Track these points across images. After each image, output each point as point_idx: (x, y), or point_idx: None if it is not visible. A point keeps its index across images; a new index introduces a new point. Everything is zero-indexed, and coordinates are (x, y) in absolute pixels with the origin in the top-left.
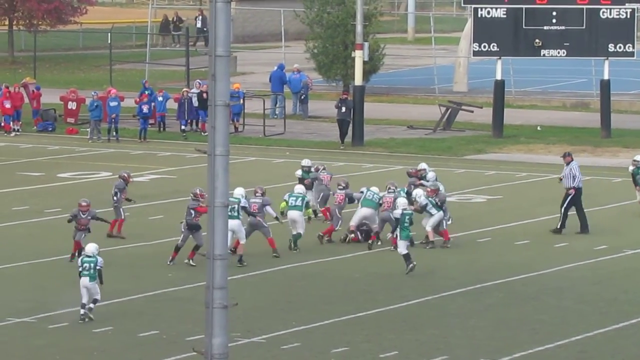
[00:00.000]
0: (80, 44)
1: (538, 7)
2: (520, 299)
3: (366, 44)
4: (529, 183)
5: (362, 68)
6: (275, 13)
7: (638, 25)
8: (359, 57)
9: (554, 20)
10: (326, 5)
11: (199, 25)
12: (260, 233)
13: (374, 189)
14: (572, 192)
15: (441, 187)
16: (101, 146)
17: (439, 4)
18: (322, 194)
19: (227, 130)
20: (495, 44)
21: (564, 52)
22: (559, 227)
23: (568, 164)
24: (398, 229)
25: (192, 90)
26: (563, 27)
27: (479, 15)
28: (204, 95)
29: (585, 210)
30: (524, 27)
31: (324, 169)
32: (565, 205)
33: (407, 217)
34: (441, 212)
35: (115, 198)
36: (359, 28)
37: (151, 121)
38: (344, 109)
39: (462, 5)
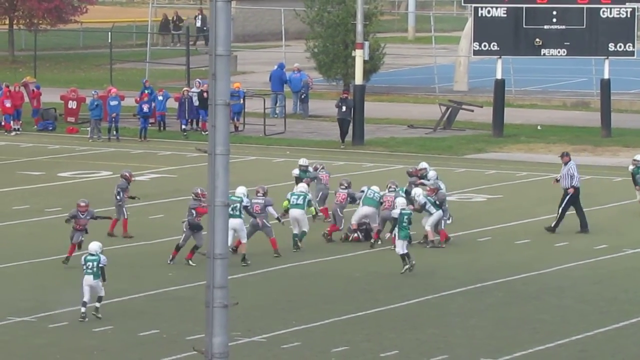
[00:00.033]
0: (81, 43)
1: (538, 6)
2: (521, 299)
3: (366, 43)
4: (529, 182)
5: (363, 67)
6: (275, 12)
7: (638, 25)
8: (360, 56)
9: (554, 20)
10: (326, 5)
11: (198, 24)
12: (261, 232)
13: (375, 187)
14: (572, 191)
15: (442, 187)
16: (101, 145)
17: (440, 3)
18: (321, 193)
19: (227, 129)
20: (495, 43)
21: (564, 52)
22: (553, 225)
23: (566, 163)
24: (397, 229)
25: (192, 90)
26: (563, 27)
27: (480, 15)
28: (205, 94)
29: (585, 209)
30: (524, 26)
31: (322, 168)
32: (563, 205)
33: (405, 216)
34: (440, 211)
35: (118, 197)
36: (359, 27)
37: (151, 120)
38: (344, 108)
39: (463, 4)
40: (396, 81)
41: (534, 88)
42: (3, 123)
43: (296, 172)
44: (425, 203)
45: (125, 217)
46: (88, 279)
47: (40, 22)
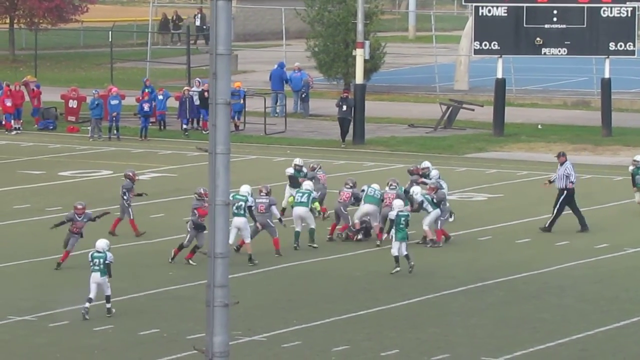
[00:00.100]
0: (81, 42)
1: (539, 5)
2: (521, 298)
3: (367, 43)
4: (530, 181)
5: (363, 66)
6: (276, 11)
7: (639, 24)
8: (360, 55)
9: (554, 19)
10: (327, 4)
11: (197, 23)
12: (265, 232)
13: (375, 185)
14: (571, 188)
15: (444, 186)
16: (102, 144)
17: (440, 2)
18: (319, 193)
19: (228, 128)
20: (496, 43)
21: (564, 51)
22: (547, 225)
23: (562, 164)
24: (393, 230)
25: (192, 89)
26: (564, 26)
27: (480, 14)
28: (206, 94)
29: (586, 208)
30: (524, 25)
31: (319, 167)
32: (558, 205)
33: (402, 218)
34: (438, 210)
35: (125, 197)
36: (359, 26)
37: (152, 119)
38: (344, 108)
39: (463, 3)
40: (397, 80)
41: (534, 87)
42: (4, 122)
43: (290, 170)
44: (422, 201)
45: (131, 217)
46: (95, 276)
47: (41, 21)
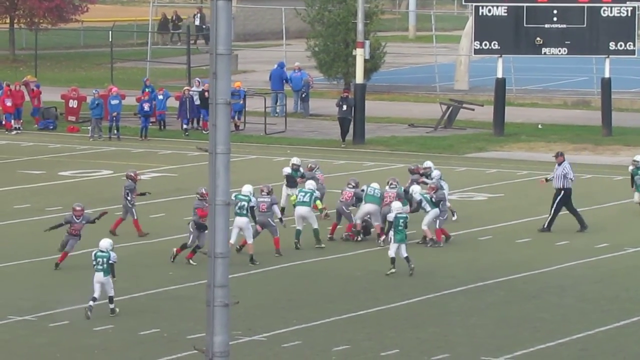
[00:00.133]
0: (82, 42)
1: (539, 5)
2: (522, 297)
3: (367, 42)
4: (530, 181)
5: (363, 66)
6: (276, 11)
7: (639, 24)
8: (360, 55)
9: (554, 19)
10: (327, 4)
11: (197, 23)
12: (266, 231)
13: (374, 184)
14: (569, 188)
15: (445, 187)
16: (102, 144)
17: (440, 2)
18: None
19: (228, 128)
20: (496, 42)
21: (564, 51)
22: (546, 226)
23: (560, 164)
24: (392, 232)
25: (192, 89)
26: (564, 26)
27: (480, 14)
28: (206, 94)
29: (586, 208)
30: (525, 25)
31: (317, 167)
32: (555, 205)
33: (400, 220)
34: (436, 210)
35: (129, 198)
36: (360, 26)
37: (152, 119)
38: (345, 107)
39: (463, 3)
40: (397, 80)
41: (534, 87)
42: (4, 122)
43: (287, 170)
44: (420, 200)
45: (135, 217)
46: (98, 276)
47: (41, 21)
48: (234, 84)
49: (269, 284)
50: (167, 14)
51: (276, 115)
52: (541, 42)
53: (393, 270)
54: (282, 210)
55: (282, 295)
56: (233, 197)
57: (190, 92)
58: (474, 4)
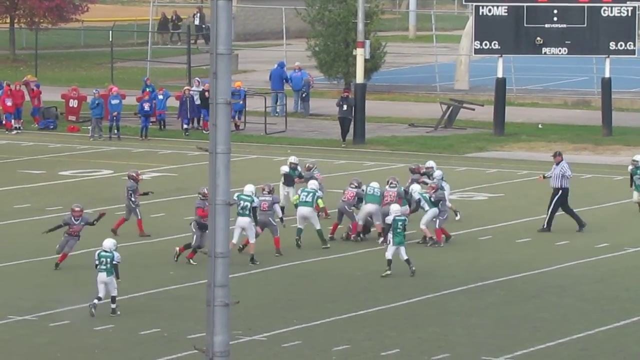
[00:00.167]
0: (82, 41)
1: (539, 5)
2: (522, 297)
3: (367, 42)
4: (530, 181)
5: (364, 66)
6: (276, 11)
7: (639, 24)
8: (361, 55)
9: (555, 19)
10: (327, 3)
11: (196, 22)
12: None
13: (374, 184)
14: (566, 188)
15: (447, 188)
16: (102, 144)
17: (440, 2)
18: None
19: (228, 128)
20: (496, 42)
21: (565, 50)
22: (545, 226)
23: (558, 163)
24: (390, 234)
25: (193, 88)
26: (564, 25)
27: (480, 13)
28: (206, 93)
29: (586, 208)
30: (525, 25)
31: (315, 167)
32: (552, 206)
33: (399, 223)
34: (435, 209)
35: (133, 199)
36: (360, 26)
37: (152, 119)
38: (345, 107)
39: (464, 3)
40: (397, 80)
41: (535, 87)
42: (4, 122)
43: (285, 169)
44: (419, 199)
45: (139, 217)
46: (102, 276)
47: (42, 20)
48: (234, 83)
49: (269, 284)
50: (166, 13)
51: (276, 115)
52: (541, 42)
53: (388, 272)
54: (282, 209)
55: (282, 295)
56: (235, 197)
57: (191, 92)
58: (474, 4)
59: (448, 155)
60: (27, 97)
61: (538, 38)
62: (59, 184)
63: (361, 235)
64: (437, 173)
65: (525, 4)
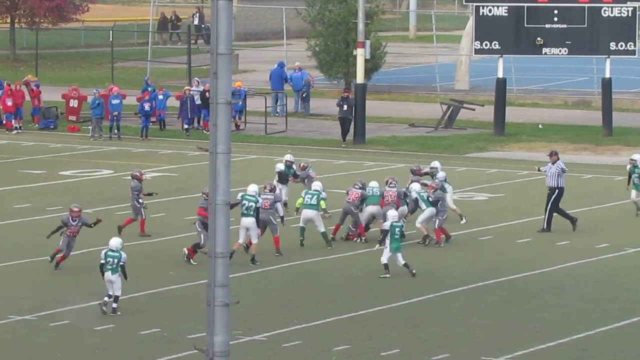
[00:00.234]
0: (82, 41)
1: (540, 5)
2: (522, 297)
3: (368, 42)
4: (531, 181)
5: (364, 66)
6: (277, 11)
7: (639, 24)
8: (361, 55)
9: (555, 19)
10: (328, 3)
11: (195, 22)
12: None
13: (373, 183)
14: (562, 187)
15: (448, 189)
16: (103, 144)
17: (441, 2)
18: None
19: (228, 128)
20: (496, 42)
21: (565, 51)
22: (545, 226)
23: (554, 162)
24: (388, 240)
25: (193, 88)
26: (565, 26)
27: (481, 14)
28: (207, 94)
29: (586, 208)
30: (525, 25)
31: (310, 166)
32: (550, 205)
33: (396, 229)
34: (432, 209)
35: (140, 200)
36: (360, 26)
37: (153, 119)
38: (345, 107)
39: (464, 3)
40: (397, 80)
41: (535, 87)
42: (4, 121)
43: (280, 167)
44: (416, 199)
45: (144, 217)
46: (107, 275)
47: (42, 20)
48: (234, 83)
49: (269, 284)
50: (166, 13)
51: (277, 115)
52: (542, 42)
53: (387, 275)
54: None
55: (283, 295)
56: (239, 197)
57: (191, 92)
58: (475, 4)
59: (448, 155)
60: (28, 97)
61: (538, 38)
62: (59, 184)
63: (361, 237)
64: (441, 174)
65: (525, 4)
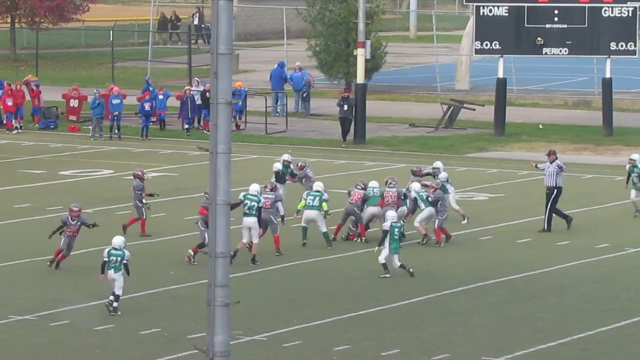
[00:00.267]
0: (83, 41)
1: (540, 5)
2: (522, 297)
3: (368, 42)
4: (531, 181)
5: (364, 66)
6: (277, 11)
7: (639, 24)
8: (361, 55)
9: (555, 19)
10: (328, 3)
11: (195, 22)
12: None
13: (372, 183)
14: (560, 187)
15: (451, 190)
16: (103, 144)
17: (441, 2)
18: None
19: (229, 128)
20: (497, 42)
21: (565, 51)
22: (546, 227)
23: (552, 162)
24: (387, 240)
25: (193, 88)
26: (565, 26)
27: (481, 14)
28: (207, 94)
29: (586, 208)
30: (525, 25)
31: (307, 166)
32: (549, 205)
33: (395, 229)
34: (431, 208)
35: (144, 201)
36: (361, 26)
37: (153, 119)
38: (346, 107)
39: (464, 3)
40: (398, 80)
41: (535, 87)
42: (5, 121)
43: (278, 166)
44: (415, 198)
45: (144, 217)
46: (110, 273)
47: (42, 20)
48: (235, 83)
49: (269, 284)
50: (165, 13)
51: (277, 115)
52: (542, 42)
53: (387, 275)
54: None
55: (283, 295)
56: (241, 197)
57: (192, 92)
58: (475, 4)
59: (449, 155)
60: (28, 97)
61: (539, 38)
62: (59, 184)
63: (362, 237)
64: (443, 175)
65: (526, 4)
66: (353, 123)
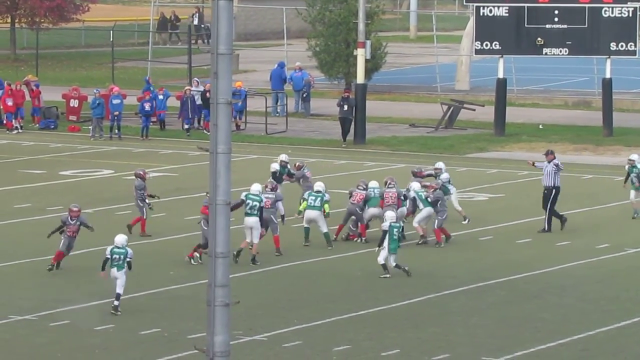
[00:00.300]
0: (83, 41)
1: (540, 5)
2: (522, 297)
3: (368, 42)
4: (531, 181)
5: (364, 66)
6: (277, 11)
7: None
8: (361, 55)
9: (556, 19)
10: (328, 3)
11: (195, 22)
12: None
13: (372, 183)
14: (559, 187)
15: (453, 190)
16: (103, 144)
17: (441, 2)
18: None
19: (229, 128)
20: (497, 43)
21: (566, 51)
22: (546, 227)
23: (550, 162)
24: (386, 241)
25: (193, 88)
26: (565, 26)
27: (481, 14)
28: (208, 94)
29: (587, 208)
30: (526, 25)
31: (305, 166)
32: (549, 205)
33: (395, 229)
34: (430, 209)
35: (147, 201)
36: (361, 26)
37: (153, 119)
38: (346, 107)
39: (465, 3)
40: (398, 80)
41: (535, 87)
42: (5, 121)
43: (275, 166)
44: (414, 198)
45: (145, 217)
46: (113, 272)
47: (42, 20)
48: (235, 83)
49: (269, 284)
50: (165, 13)
51: (277, 115)
52: (542, 43)
53: (387, 275)
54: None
55: (283, 295)
56: (243, 197)
57: (192, 92)
58: (475, 4)
59: (449, 155)
60: (28, 97)
61: (539, 38)
62: (59, 184)
63: (362, 237)
64: (444, 176)
65: (526, 5)
66: (353, 123)
